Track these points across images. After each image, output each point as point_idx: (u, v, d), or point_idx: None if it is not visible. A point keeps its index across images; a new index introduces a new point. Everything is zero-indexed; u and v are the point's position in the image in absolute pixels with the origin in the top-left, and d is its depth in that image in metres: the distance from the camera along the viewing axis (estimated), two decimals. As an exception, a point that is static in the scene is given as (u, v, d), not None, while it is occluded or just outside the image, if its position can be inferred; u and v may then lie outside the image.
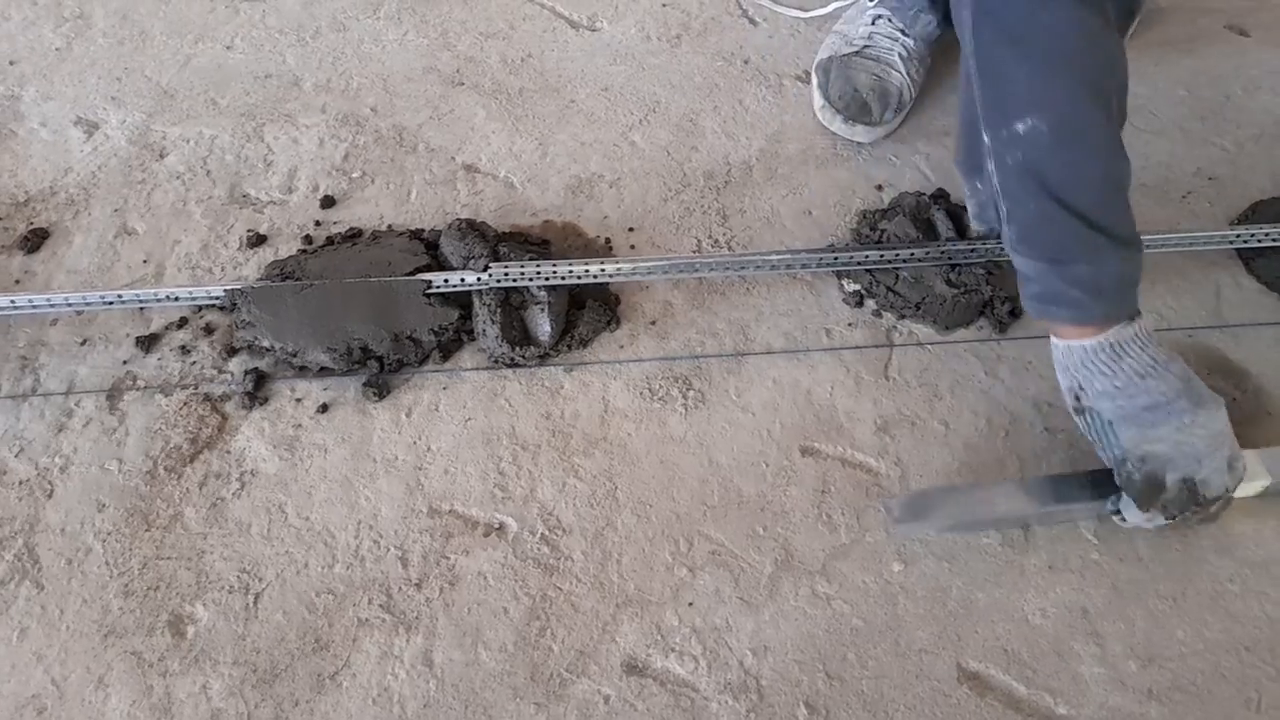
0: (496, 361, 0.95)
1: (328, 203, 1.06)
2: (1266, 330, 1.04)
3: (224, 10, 1.25)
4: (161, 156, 1.11)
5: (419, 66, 1.19)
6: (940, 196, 1.09)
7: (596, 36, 1.25)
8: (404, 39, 1.21)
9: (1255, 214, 1.13)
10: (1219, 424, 0.81)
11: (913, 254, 1.00)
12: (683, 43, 1.26)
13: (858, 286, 1.04)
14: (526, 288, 0.95)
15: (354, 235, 1.02)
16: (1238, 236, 1.04)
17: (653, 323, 1.00)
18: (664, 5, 1.30)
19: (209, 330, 0.96)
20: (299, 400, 0.92)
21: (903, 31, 1.17)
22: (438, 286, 0.94)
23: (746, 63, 1.25)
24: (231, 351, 0.94)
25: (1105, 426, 0.82)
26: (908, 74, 1.17)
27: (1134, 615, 0.85)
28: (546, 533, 0.85)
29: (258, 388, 0.92)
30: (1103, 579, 0.86)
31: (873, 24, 1.18)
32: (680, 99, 1.20)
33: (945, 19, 1.18)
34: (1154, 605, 0.85)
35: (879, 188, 1.13)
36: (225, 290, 0.93)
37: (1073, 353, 0.83)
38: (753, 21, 1.30)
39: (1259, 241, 1.04)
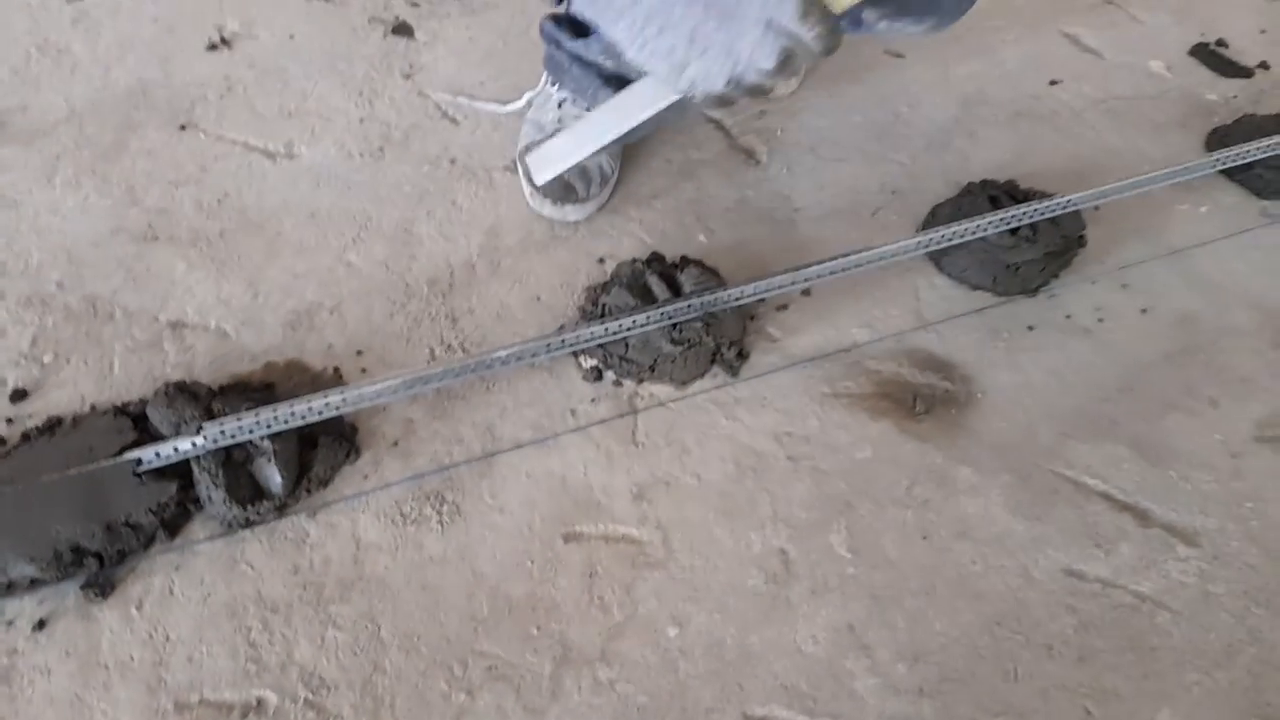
0: (230, 526, 0.90)
1: (19, 396, 0.97)
2: (962, 320, 1.14)
3: (-127, 208, 1.14)
4: None
5: (105, 229, 1.13)
6: (653, 259, 1.14)
7: (295, 163, 1.23)
8: (85, 203, 1.15)
9: (935, 217, 1.24)
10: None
11: (634, 321, 1.03)
12: (386, 154, 1.26)
13: (594, 362, 1.06)
14: (249, 441, 0.91)
15: (52, 426, 0.94)
16: (920, 244, 1.14)
17: (395, 444, 0.98)
18: (362, 121, 1.30)
19: (-107, 569, 0.86)
20: (10, 623, 0.83)
21: (588, 110, 1.22)
22: (149, 462, 0.88)
23: (454, 163, 1.26)
24: (-78, 588, 0.85)
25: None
26: (601, 151, 1.21)
27: (895, 619, 0.90)
28: (310, 695, 0.81)
29: (-41, 621, 0.83)
30: (861, 591, 0.91)
31: (559, 108, 1.23)
32: (392, 210, 1.20)
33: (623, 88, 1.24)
34: (911, 604, 0.91)
35: (600, 261, 1.17)
36: (-100, 522, 0.84)
37: None
38: (454, 121, 1.32)
39: (941, 243, 1.15)
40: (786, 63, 0.76)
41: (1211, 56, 1.50)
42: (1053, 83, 1.42)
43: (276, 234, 1.15)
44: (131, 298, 1.07)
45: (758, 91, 0.79)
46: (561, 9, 1.18)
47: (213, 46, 1.36)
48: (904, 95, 1.42)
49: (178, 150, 1.22)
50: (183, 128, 1.25)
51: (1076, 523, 0.99)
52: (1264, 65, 1.49)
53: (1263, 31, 1.56)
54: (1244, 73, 1.48)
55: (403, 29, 1.44)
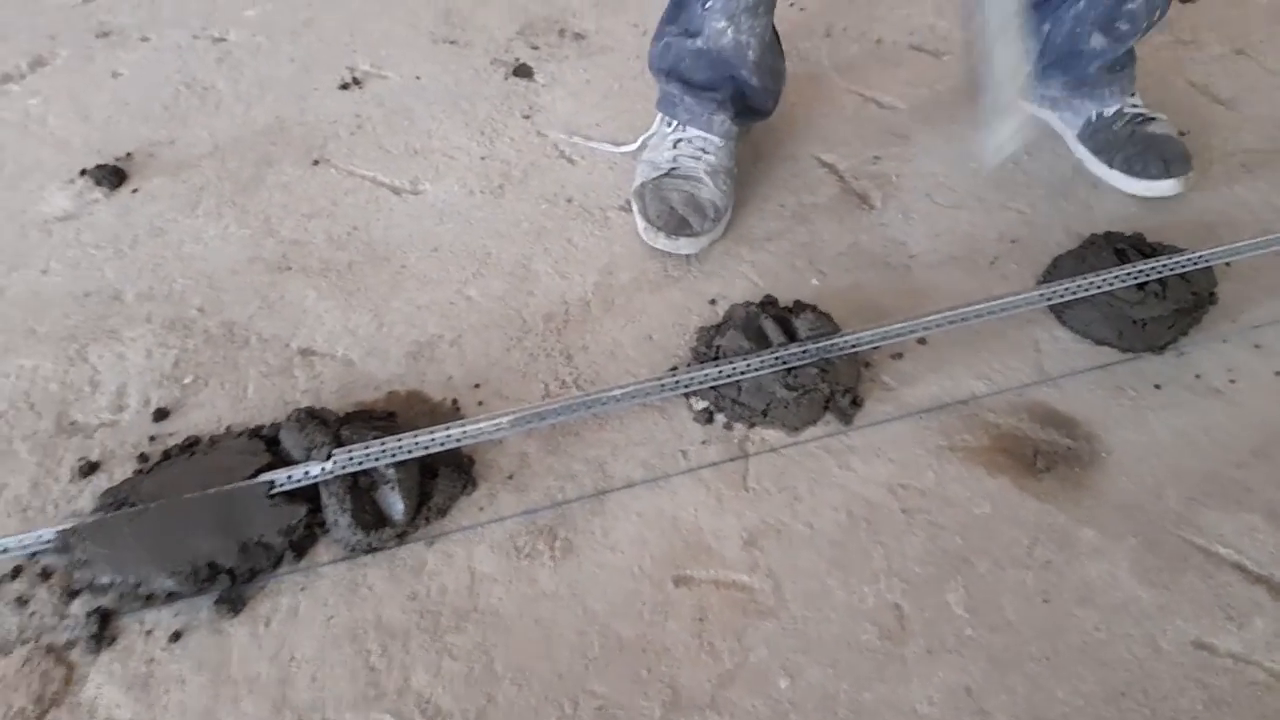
0: (353, 550, 0.92)
1: (161, 415, 1.03)
2: (1085, 376, 1.11)
3: (36, 235, 1.23)
4: (-20, 395, 1.07)
5: (243, 258, 1.19)
6: (768, 303, 1.14)
7: (420, 199, 1.28)
8: (225, 233, 1.21)
9: (1056, 268, 1.21)
10: None
11: (749, 365, 1.03)
12: (506, 192, 1.30)
13: (706, 404, 1.07)
14: (374, 468, 0.94)
15: (191, 445, 0.99)
16: (1042, 296, 1.12)
17: (510, 477, 1.00)
18: (483, 159, 1.34)
19: (45, 575, 0.91)
20: (149, 632, 0.87)
21: (703, 150, 1.24)
22: (281, 485, 0.92)
23: (570, 201, 1.30)
24: (72, 594, 0.89)
25: None
26: (716, 186, 1.23)
27: (1014, 684, 0.87)
28: (426, 723, 0.83)
29: (103, 628, 0.87)
30: (979, 653, 0.88)
31: (674, 147, 1.25)
32: (510, 247, 1.23)
33: (738, 114, 1.26)
34: (1031, 669, 0.88)
35: (712, 302, 1.18)
36: (56, 533, 0.89)
37: None
38: (571, 161, 1.35)
39: (1064, 296, 1.12)
40: None
41: (1352, 107, 1.44)
42: (1181, 133, 1.38)
43: (401, 267, 1.20)
44: (266, 324, 1.12)
45: None
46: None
47: (345, 86, 1.43)
48: (1025, 144, 1.40)
49: (311, 184, 1.28)
50: (316, 163, 1.31)
51: (1207, 593, 0.95)
52: None
53: None
54: (1388, 125, 1.41)
55: (523, 71, 1.49)
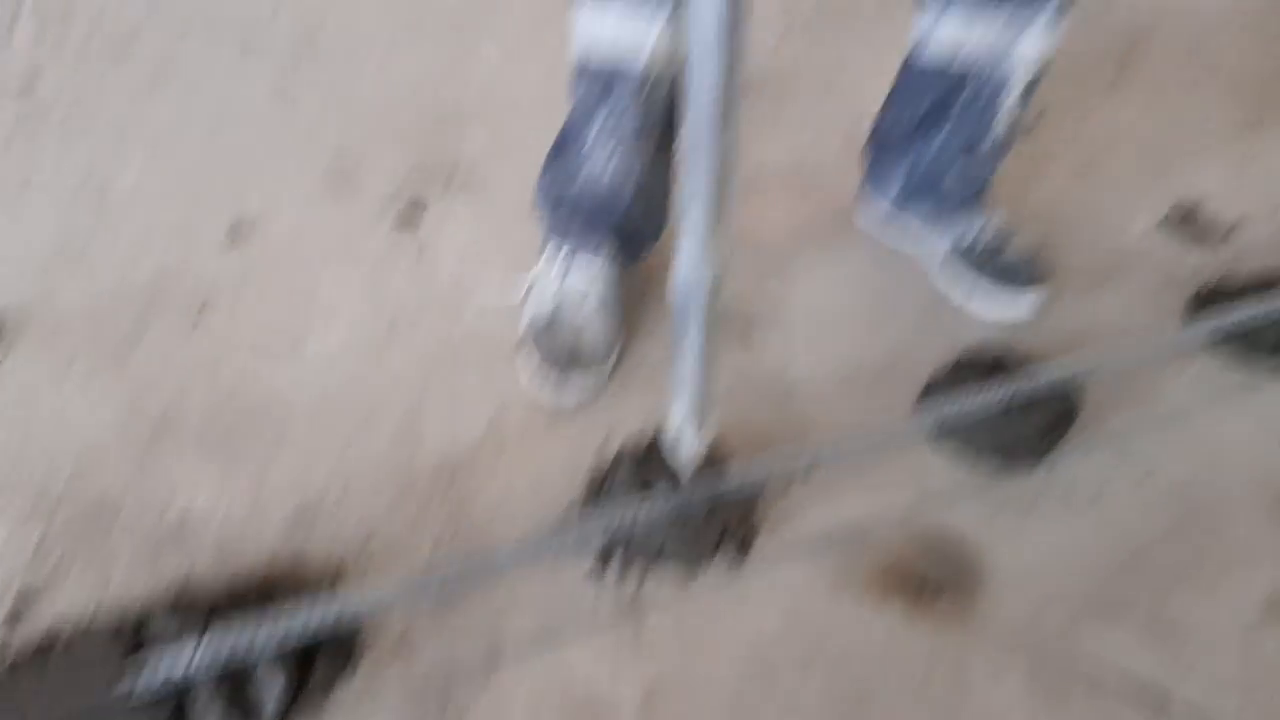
0: (227, 747, 0.87)
1: (13, 617, 0.97)
2: (966, 498, 1.14)
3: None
4: None
5: (114, 427, 1.15)
6: (655, 443, 1.15)
7: (305, 352, 1.27)
8: (96, 401, 1.18)
9: (931, 390, 1.26)
10: None
11: (637, 511, 1.03)
12: (394, 340, 1.30)
13: (596, 552, 1.06)
14: (246, 657, 0.90)
15: (46, 648, 0.93)
16: (918, 422, 1.16)
17: (396, 648, 0.97)
18: (371, 306, 1.34)
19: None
20: None
21: (588, 287, 1.27)
22: (143, 688, 0.87)
23: (459, 346, 1.30)
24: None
25: None
26: (602, 324, 1.26)
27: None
28: None
29: None
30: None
31: (560, 284, 1.28)
32: (399, 397, 1.22)
33: (621, 247, 1.31)
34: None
35: (604, 441, 1.18)
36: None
37: None
38: (458, 304, 1.36)
39: (937, 421, 1.16)
40: None
41: (1184, 219, 1.56)
42: (1036, 251, 1.47)
43: (284, 427, 1.17)
44: (138, 496, 1.08)
45: None
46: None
47: (229, 237, 1.42)
48: (889, 265, 1.47)
49: (190, 345, 1.26)
50: (197, 320, 1.29)
51: (1097, 711, 0.97)
52: (1237, 230, 1.55)
53: (1233, 197, 1.62)
54: (1216, 234, 1.53)
55: (411, 214, 1.50)
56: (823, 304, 1.40)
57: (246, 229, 1.43)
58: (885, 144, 1.43)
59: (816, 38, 2.00)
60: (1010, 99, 1.27)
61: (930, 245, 1.45)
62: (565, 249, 1.29)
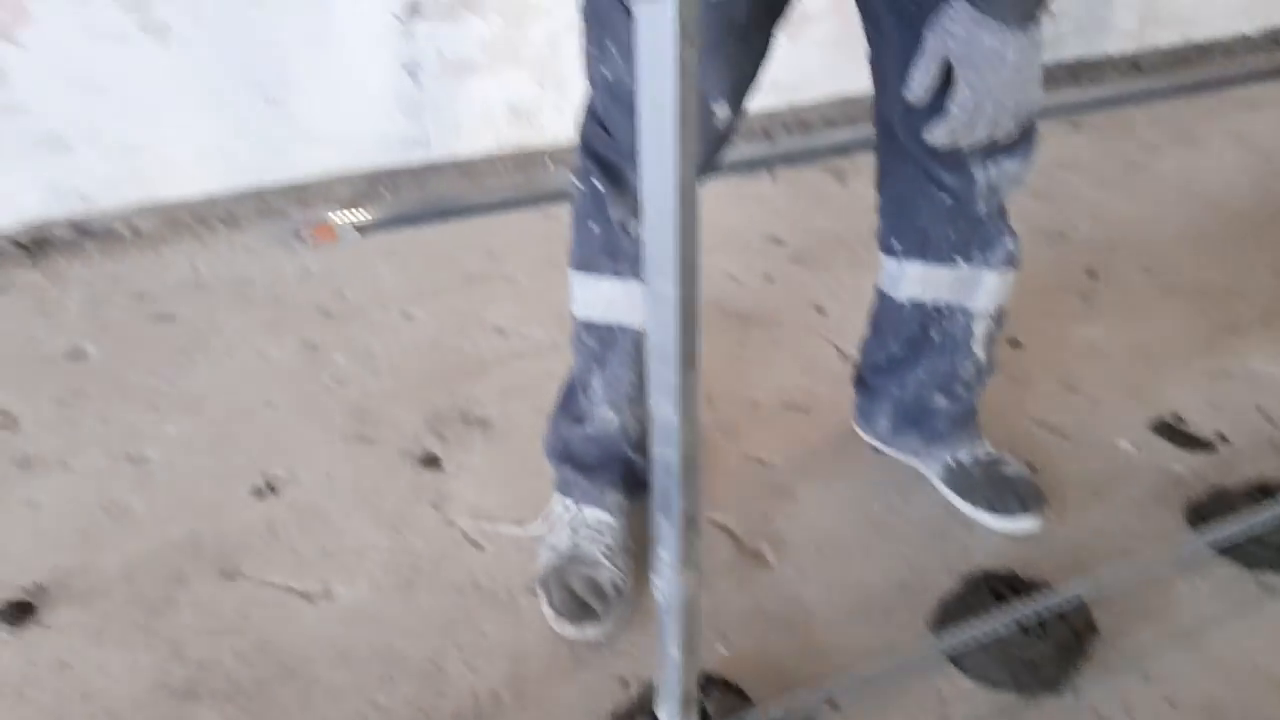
0: None
1: None
2: (990, 726, 1.14)
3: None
4: None
5: (147, 687, 1.17)
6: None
7: (331, 604, 1.30)
8: (132, 662, 1.20)
9: (945, 613, 1.28)
10: None
11: (663, 757, 1.03)
12: (416, 586, 1.34)
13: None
14: None
15: None
16: (935, 648, 1.17)
17: None
18: (393, 553, 1.39)
19: None
20: None
21: (599, 531, 1.32)
22: None
23: (479, 589, 1.34)
24: None
25: None
26: (615, 566, 1.30)
27: None
28: None
29: None
30: None
31: (573, 530, 1.33)
32: (421, 644, 1.24)
33: (630, 491, 1.37)
34: None
35: (625, 683, 1.19)
36: None
37: None
38: (479, 547, 1.41)
39: (955, 647, 1.18)
40: None
41: (1170, 431, 1.63)
42: (1031, 468, 1.54)
43: (311, 680, 1.19)
44: (165, 764, 1.08)
45: None
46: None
47: (258, 493, 1.49)
48: (896, 487, 1.53)
49: (222, 600, 1.30)
50: (228, 576, 1.34)
51: None
52: (1222, 437, 1.62)
53: (1213, 405, 1.71)
54: (1205, 446, 1.60)
55: (430, 461, 1.59)
56: (832, 524, 1.45)
57: (276, 485, 1.51)
58: (869, 381, 1.53)
59: (807, 268, 2.17)
60: (981, 329, 1.38)
61: (931, 462, 1.51)
62: (575, 497, 1.35)
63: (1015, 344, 1.86)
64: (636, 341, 1.23)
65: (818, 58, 2.79)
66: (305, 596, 1.31)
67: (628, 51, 1.02)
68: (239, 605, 1.29)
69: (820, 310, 2.02)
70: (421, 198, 2.49)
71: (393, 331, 1.93)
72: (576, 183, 1.22)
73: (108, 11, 2.04)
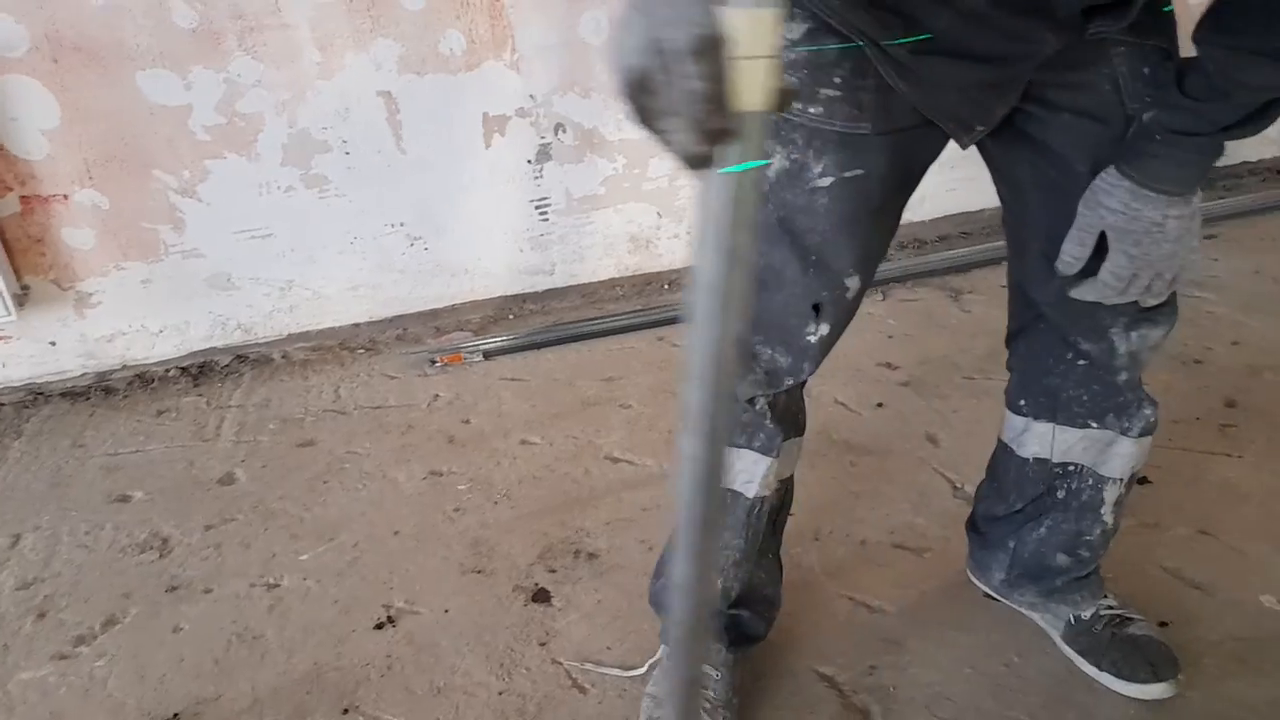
0: None
1: None
2: None
3: None
4: None
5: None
6: None
7: None
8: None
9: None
10: None
11: None
12: (522, 728, 1.37)
13: None
14: None
15: None
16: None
17: None
18: (500, 694, 1.43)
19: None
20: None
21: (703, 686, 1.31)
22: None
23: (583, 734, 1.35)
24: None
25: None
26: (720, 715, 1.29)
27: None
28: None
29: None
30: None
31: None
32: (523, 794, 1.27)
33: (732, 643, 1.35)
34: None
35: None
36: None
37: None
38: (583, 690, 1.43)
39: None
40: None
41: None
42: (1162, 624, 1.44)
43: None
44: None
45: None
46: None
47: (380, 625, 1.57)
48: (1014, 642, 1.46)
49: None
50: (345, 711, 1.41)
51: None
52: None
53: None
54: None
55: (541, 596, 1.63)
56: (944, 681, 1.40)
57: (395, 617, 1.59)
58: (984, 530, 1.48)
59: (919, 394, 2.14)
60: (1113, 495, 1.30)
61: (1052, 619, 1.44)
62: None
63: (1144, 481, 1.77)
64: (748, 509, 1.24)
65: (934, 175, 2.79)
66: None
67: (759, 230, 1.02)
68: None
69: (933, 440, 1.99)
70: (544, 322, 2.62)
71: (511, 459, 2.02)
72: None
73: (274, 169, 2.29)
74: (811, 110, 1.01)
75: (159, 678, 1.48)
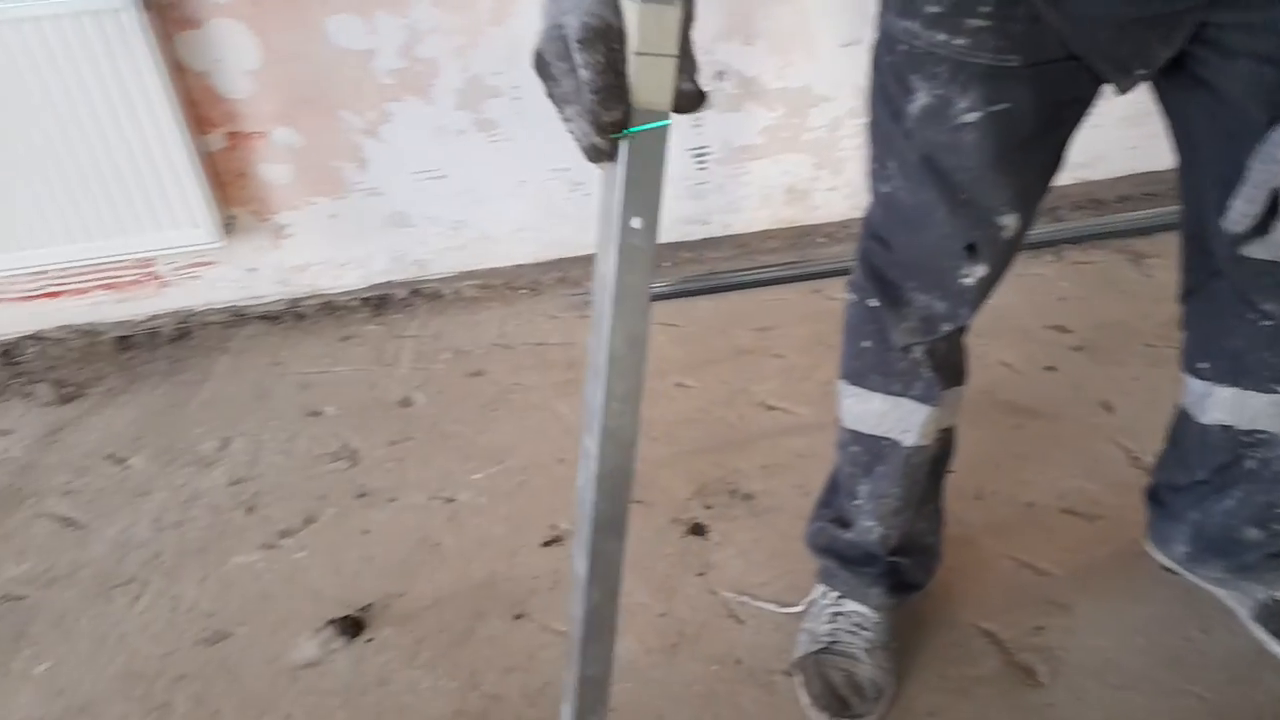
0: None
1: None
2: None
3: (283, 681, 1.45)
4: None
5: (449, 711, 1.34)
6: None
7: (604, 657, 1.42)
8: (437, 685, 1.39)
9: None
10: None
11: None
12: (679, 651, 1.43)
13: None
14: None
15: None
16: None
17: None
18: (660, 615, 1.49)
19: None
20: None
21: (860, 626, 1.33)
22: None
23: (739, 664, 1.40)
24: None
25: None
26: (875, 663, 1.30)
27: None
28: None
29: None
30: None
31: (833, 620, 1.35)
32: (682, 711, 1.33)
33: (892, 589, 1.35)
34: None
35: (878, 782, 1.20)
36: None
37: None
38: (740, 620, 1.48)
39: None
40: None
41: None
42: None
43: (584, 727, 1.31)
44: (461, 782, 1.24)
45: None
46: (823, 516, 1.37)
47: (547, 543, 1.66)
48: (1195, 618, 1.40)
49: (512, 639, 1.46)
50: (518, 617, 1.50)
51: None
52: None
53: None
54: None
55: (698, 529, 1.68)
56: (1116, 649, 1.36)
57: (563, 536, 1.67)
58: (1164, 500, 1.41)
59: (1094, 359, 2.05)
60: None
61: (1241, 596, 1.37)
62: (837, 589, 1.38)
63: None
64: (906, 457, 1.23)
65: (1115, 133, 2.64)
66: (582, 647, 1.44)
67: (906, 169, 1.05)
68: (526, 646, 1.45)
69: (1108, 407, 1.91)
70: (698, 270, 2.64)
71: (668, 400, 2.07)
72: (853, 296, 1.22)
73: (449, 113, 2.39)
74: (956, 42, 0.97)
75: (352, 572, 1.62)
